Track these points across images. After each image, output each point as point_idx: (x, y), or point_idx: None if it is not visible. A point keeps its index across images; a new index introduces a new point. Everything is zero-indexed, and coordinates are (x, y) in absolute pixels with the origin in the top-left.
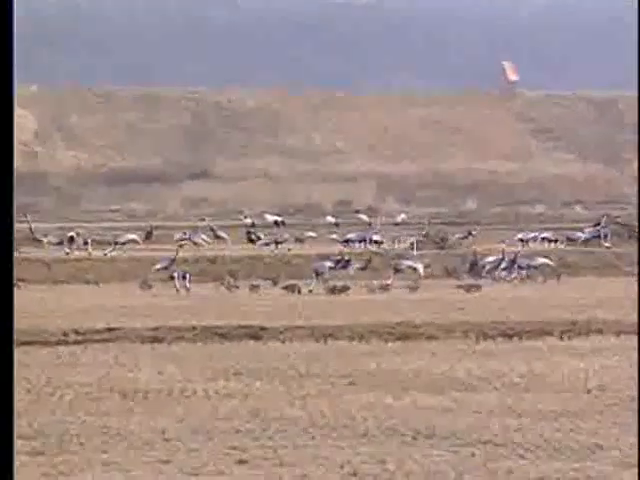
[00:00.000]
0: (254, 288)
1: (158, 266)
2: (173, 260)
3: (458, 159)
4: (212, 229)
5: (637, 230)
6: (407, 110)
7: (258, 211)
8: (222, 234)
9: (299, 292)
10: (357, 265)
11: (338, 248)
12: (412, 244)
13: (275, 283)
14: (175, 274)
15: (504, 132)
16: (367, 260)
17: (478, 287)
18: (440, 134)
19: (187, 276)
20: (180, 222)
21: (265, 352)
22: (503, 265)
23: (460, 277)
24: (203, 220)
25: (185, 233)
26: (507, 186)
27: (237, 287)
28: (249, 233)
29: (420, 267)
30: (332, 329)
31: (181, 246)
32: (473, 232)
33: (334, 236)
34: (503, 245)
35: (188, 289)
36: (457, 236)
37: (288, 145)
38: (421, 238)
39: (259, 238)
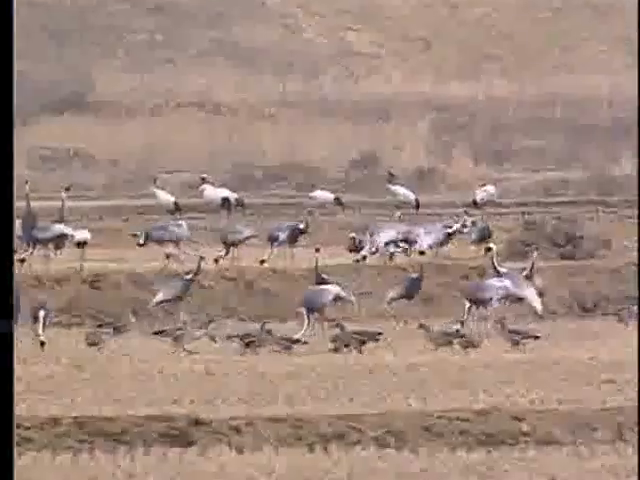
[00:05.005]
0: (178, 337)
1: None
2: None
3: (596, 74)
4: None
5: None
6: None
7: (190, 178)
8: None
9: (288, 347)
10: (394, 292)
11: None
12: (509, 249)
13: (211, 326)
14: (19, 314)
15: None
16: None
17: None
18: (557, 26)
19: (40, 314)
20: (31, 201)
21: (204, 471)
22: None
23: (612, 315)
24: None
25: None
26: None
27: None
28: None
29: (531, 295)
30: (340, 423)
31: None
32: None
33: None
34: None
35: (43, 343)
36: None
37: (250, 43)
38: (526, 236)
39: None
